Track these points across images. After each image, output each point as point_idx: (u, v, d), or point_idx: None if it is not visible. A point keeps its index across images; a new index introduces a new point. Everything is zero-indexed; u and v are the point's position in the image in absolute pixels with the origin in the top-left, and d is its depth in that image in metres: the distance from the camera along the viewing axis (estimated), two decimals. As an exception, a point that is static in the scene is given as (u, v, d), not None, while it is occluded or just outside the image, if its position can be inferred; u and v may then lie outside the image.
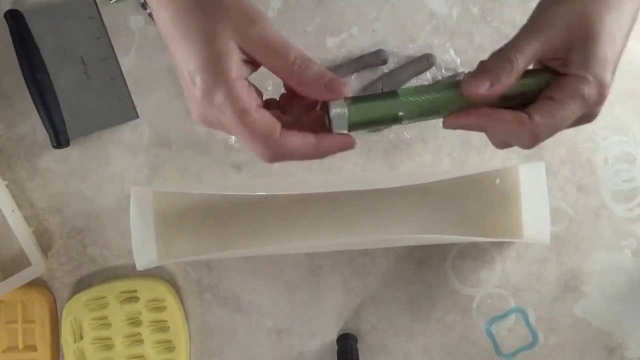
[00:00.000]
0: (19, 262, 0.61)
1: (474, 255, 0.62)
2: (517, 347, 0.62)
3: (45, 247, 0.63)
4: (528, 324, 0.62)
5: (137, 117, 0.63)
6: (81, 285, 0.63)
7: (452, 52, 0.62)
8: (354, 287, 0.63)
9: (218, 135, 0.63)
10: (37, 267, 0.61)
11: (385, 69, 0.62)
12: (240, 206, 0.61)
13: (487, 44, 0.62)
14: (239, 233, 0.61)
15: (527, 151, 0.61)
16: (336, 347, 0.61)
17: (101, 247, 0.63)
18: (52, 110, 0.61)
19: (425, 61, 0.60)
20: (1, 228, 0.62)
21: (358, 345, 0.61)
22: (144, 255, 0.59)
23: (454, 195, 0.60)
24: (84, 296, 0.62)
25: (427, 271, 0.62)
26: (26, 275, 0.61)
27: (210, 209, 0.61)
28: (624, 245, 0.62)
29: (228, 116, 0.33)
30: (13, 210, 0.61)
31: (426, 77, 0.62)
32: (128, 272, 0.63)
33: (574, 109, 0.36)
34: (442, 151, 0.62)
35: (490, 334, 0.62)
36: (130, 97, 0.63)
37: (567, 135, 0.62)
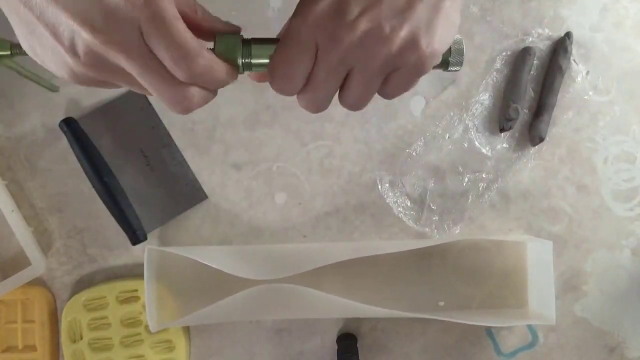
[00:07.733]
0: (19, 261, 0.61)
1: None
2: (517, 347, 0.62)
3: (45, 246, 0.63)
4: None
5: (207, 197, 0.62)
6: (81, 285, 0.63)
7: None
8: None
9: (218, 135, 0.63)
10: (37, 266, 0.61)
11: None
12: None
13: (487, 43, 0.61)
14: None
15: (530, 223, 0.61)
16: (336, 347, 0.61)
17: (101, 247, 0.63)
18: (125, 209, 0.61)
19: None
20: (1, 228, 0.62)
21: (358, 345, 0.61)
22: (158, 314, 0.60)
23: (466, 264, 0.62)
24: (83, 296, 0.62)
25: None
26: (26, 275, 0.61)
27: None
28: (624, 244, 0.62)
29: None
30: (13, 210, 0.61)
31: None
32: (128, 272, 0.63)
33: None
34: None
35: (490, 334, 0.62)
36: (197, 180, 0.62)
37: (567, 134, 0.62)
